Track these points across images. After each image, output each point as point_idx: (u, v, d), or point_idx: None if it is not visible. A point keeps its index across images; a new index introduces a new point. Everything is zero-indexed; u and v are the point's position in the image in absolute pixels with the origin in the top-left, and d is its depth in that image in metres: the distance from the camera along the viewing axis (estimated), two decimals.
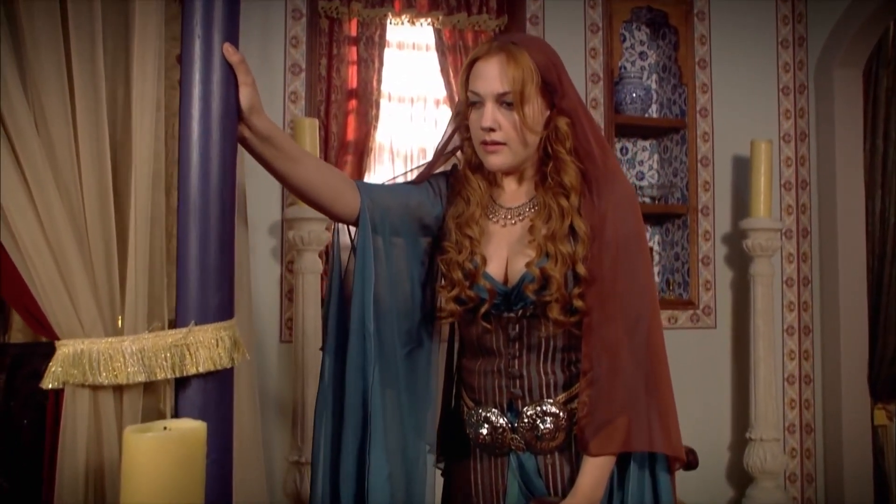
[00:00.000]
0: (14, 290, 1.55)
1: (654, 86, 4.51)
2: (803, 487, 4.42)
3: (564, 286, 1.77)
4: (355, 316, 1.82)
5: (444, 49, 4.16)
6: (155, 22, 1.61)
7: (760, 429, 4.03)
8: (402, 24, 4.16)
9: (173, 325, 1.55)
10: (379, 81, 4.06)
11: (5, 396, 2.17)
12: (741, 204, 4.35)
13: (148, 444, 1.24)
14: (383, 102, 4.12)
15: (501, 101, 1.79)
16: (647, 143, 4.55)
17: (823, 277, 4.44)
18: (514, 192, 1.92)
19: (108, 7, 1.59)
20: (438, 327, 1.98)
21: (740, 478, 4.26)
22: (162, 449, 1.24)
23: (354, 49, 4.08)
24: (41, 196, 1.51)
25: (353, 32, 4.08)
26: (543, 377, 1.85)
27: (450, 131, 1.99)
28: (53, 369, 1.49)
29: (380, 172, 4.15)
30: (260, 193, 3.41)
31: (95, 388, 1.50)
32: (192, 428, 1.31)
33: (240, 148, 1.68)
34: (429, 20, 4.16)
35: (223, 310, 1.55)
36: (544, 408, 1.84)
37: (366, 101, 4.03)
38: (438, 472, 2.05)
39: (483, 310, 1.83)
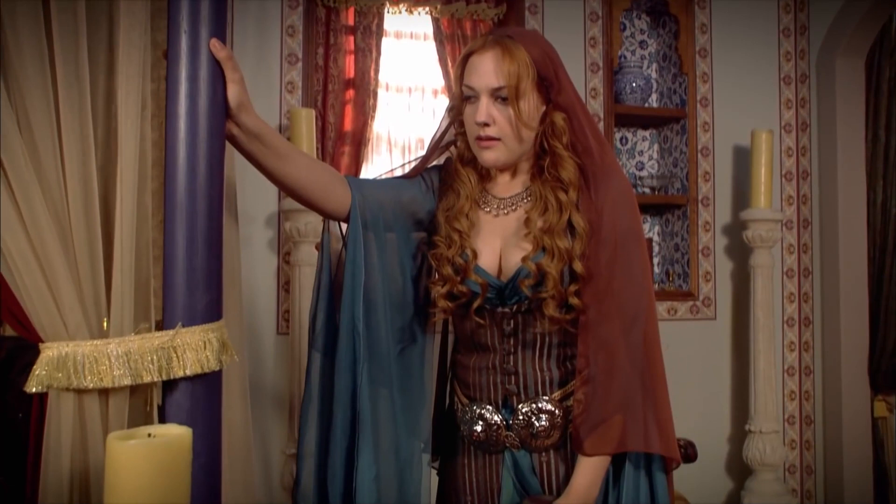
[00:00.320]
0: None
1: (654, 75, 4.48)
2: (803, 479, 4.41)
3: (560, 283, 1.75)
4: (345, 314, 1.80)
5: (443, 38, 4.12)
6: (140, 18, 1.58)
7: (760, 421, 4.01)
8: (400, 12, 4.12)
9: (160, 326, 1.53)
10: (376, 71, 4.03)
11: (0, 390, 2.16)
12: (741, 194, 4.32)
13: (131, 451, 1.22)
14: (381, 92, 4.09)
15: (496, 95, 1.76)
16: (646, 133, 4.51)
17: (824, 268, 4.42)
18: (507, 184, 1.90)
19: (92, 4, 1.56)
20: (432, 322, 1.95)
21: (739, 470, 4.25)
22: (146, 457, 1.22)
23: (352, 38, 4.04)
24: (24, 196, 1.48)
25: (351, 21, 4.05)
26: (539, 374, 1.83)
27: (444, 125, 1.96)
28: (37, 372, 1.46)
29: (377, 163, 4.12)
30: (256, 184, 3.34)
31: (80, 391, 1.47)
32: (177, 434, 1.28)
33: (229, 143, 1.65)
34: (427, 9, 4.11)
35: (211, 311, 1.53)
36: (540, 405, 1.82)
37: (363, 90, 4.00)
38: (434, 472, 2.03)
39: (476, 304, 1.81)
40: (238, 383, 1.92)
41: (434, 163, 2.01)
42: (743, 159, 4.31)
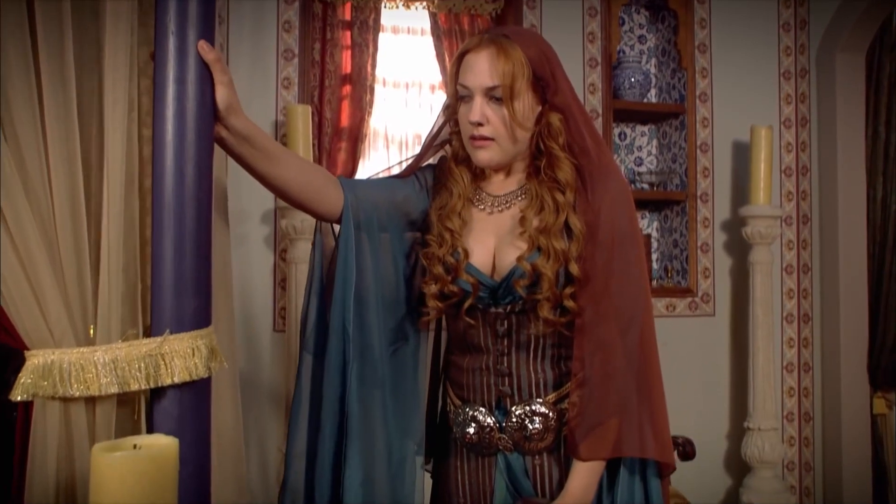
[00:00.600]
0: None
1: (653, 70, 4.45)
2: (801, 476, 4.40)
3: (556, 284, 1.73)
4: (336, 317, 1.79)
5: (440, 33, 4.09)
6: (127, 18, 1.55)
7: (759, 418, 3.99)
8: (397, 7, 4.08)
9: (148, 333, 1.51)
10: (373, 66, 3.99)
11: None
12: (740, 190, 4.30)
13: (116, 464, 1.20)
14: (378, 88, 4.05)
15: (490, 95, 1.74)
16: (645, 129, 4.49)
17: (823, 265, 4.40)
18: (501, 182, 1.88)
19: (78, 4, 1.53)
20: (425, 322, 1.93)
21: (738, 467, 4.23)
22: (131, 469, 1.20)
23: (348, 33, 4.01)
24: (8, 201, 1.45)
25: (348, 16, 4.01)
26: (533, 375, 1.81)
27: (439, 124, 1.95)
28: (23, 381, 1.44)
29: (374, 159, 4.10)
30: (251, 181, 3.31)
31: (66, 400, 1.45)
32: (163, 445, 1.26)
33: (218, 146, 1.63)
34: (424, 4, 4.08)
35: (200, 317, 1.51)
36: (533, 407, 1.80)
37: (360, 86, 3.97)
38: (427, 474, 2.01)
39: (466, 304, 1.79)
40: (229, 384, 1.90)
41: (428, 161, 1.99)
42: (742, 155, 4.28)
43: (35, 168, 1.47)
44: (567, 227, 1.75)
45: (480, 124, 1.75)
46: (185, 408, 1.48)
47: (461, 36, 4.07)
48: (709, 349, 4.33)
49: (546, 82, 1.77)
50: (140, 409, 1.53)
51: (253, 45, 3.74)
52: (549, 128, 1.78)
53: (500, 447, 1.83)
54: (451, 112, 1.88)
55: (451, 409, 1.91)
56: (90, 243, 1.52)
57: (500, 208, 1.84)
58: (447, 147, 1.95)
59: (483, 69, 1.74)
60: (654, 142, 4.49)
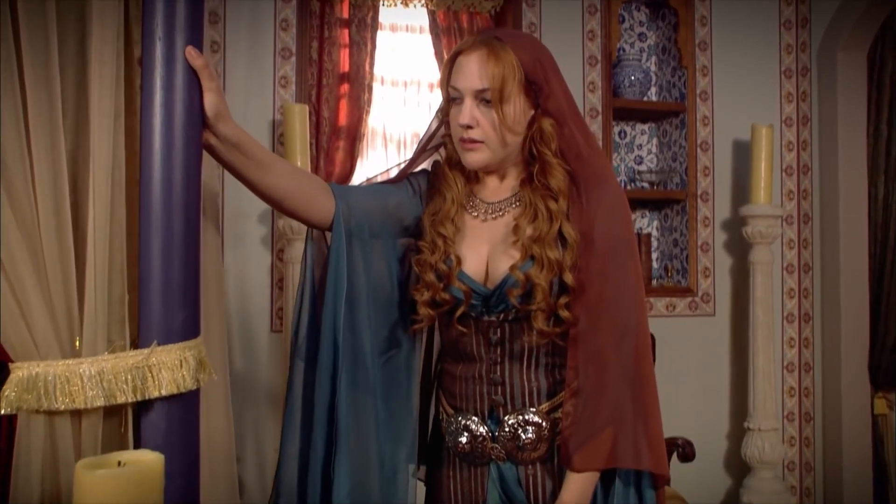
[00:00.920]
0: None
1: (653, 68, 4.42)
2: (802, 476, 4.39)
3: (550, 294, 1.70)
4: (326, 325, 1.77)
5: (439, 31, 4.06)
6: (113, 23, 1.53)
7: (759, 418, 3.97)
8: (395, 5, 4.05)
9: (136, 345, 1.48)
10: (371, 65, 3.97)
11: None
12: (741, 189, 4.28)
13: (100, 481, 1.18)
14: (376, 86, 4.03)
15: (480, 97, 1.72)
16: (645, 127, 4.46)
17: (824, 264, 4.38)
18: (495, 188, 1.85)
19: (63, 5, 1.50)
20: (417, 330, 1.91)
21: (738, 467, 4.22)
22: (115, 487, 1.18)
23: (346, 31, 3.98)
24: None
25: (345, 14, 3.99)
26: (527, 384, 1.79)
27: (434, 127, 1.92)
28: (7, 394, 1.41)
29: (373, 158, 4.08)
30: None
31: (51, 413, 1.42)
32: (147, 461, 1.24)
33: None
34: (422, 1, 4.05)
35: (188, 328, 1.49)
36: (526, 417, 1.77)
37: (358, 85, 3.94)
38: (420, 482, 1.99)
39: (459, 312, 1.76)
40: (222, 392, 1.88)
41: (423, 166, 1.96)
42: (743, 154, 4.26)
43: (19, 177, 1.44)
44: (561, 235, 1.73)
45: (470, 127, 1.73)
46: (173, 421, 1.46)
47: (460, 34, 4.04)
48: (709, 349, 4.31)
49: (539, 86, 1.74)
50: (127, 421, 1.50)
51: (250, 44, 3.72)
52: (542, 133, 1.75)
53: (493, 457, 1.81)
54: (444, 115, 1.86)
55: (443, 418, 1.89)
56: (76, 253, 1.49)
57: (493, 216, 1.82)
58: (441, 151, 1.93)
59: (473, 71, 1.72)
60: (655, 140, 4.46)
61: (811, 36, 4.41)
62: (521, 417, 1.77)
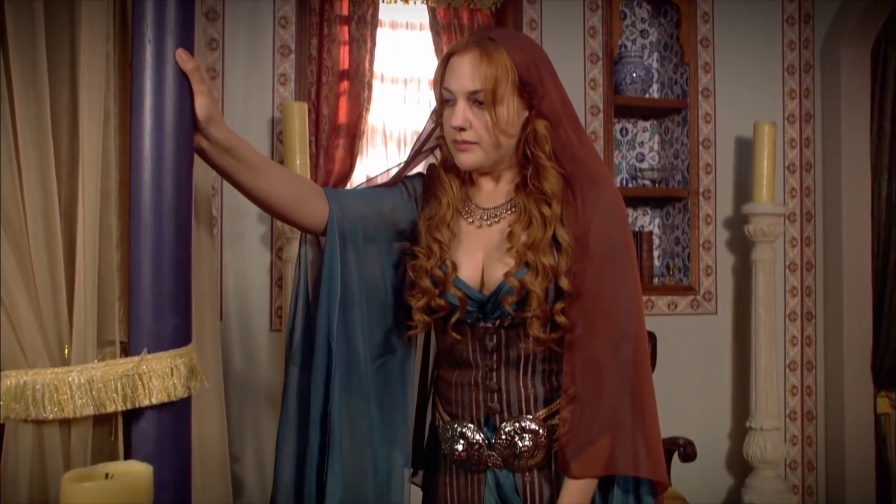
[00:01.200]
0: None
1: (654, 65, 4.39)
2: (804, 475, 4.37)
3: (545, 301, 1.68)
4: (320, 330, 1.75)
5: (439, 28, 4.04)
6: (103, 24, 1.50)
7: (761, 418, 3.96)
8: (395, 2, 4.03)
9: (126, 353, 1.46)
10: (371, 62, 3.95)
11: None
12: (743, 187, 4.25)
13: (87, 494, 1.16)
14: (376, 84, 4.02)
15: (473, 99, 1.69)
16: (647, 124, 4.44)
17: (827, 262, 4.36)
18: (490, 193, 1.83)
19: (51, 7, 1.48)
20: (412, 336, 1.89)
21: (740, 467, 4.21)
22: (102, 500, 1.16)
23: (346, 29, 3.97)
24: None
25: (345, 11, 3.97)
26: (523, 391, 1.77)
27: (429, 128, 1.90)
28: None
29: (372, 156, 4.06)
30: None
31: (40, 422, 1.40)
32: (136, 473, 1.22)
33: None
34: None
35: (179, 336, 1.46)
36: (523, 424, 1.75)
37: (358, 82, 3.92)
38: (416, 487, 1.98)
39: (454, 318, 1.74)
40: (216, 397, 1.86)
41: (418, 169, 1.94)
42: (745, 151, 4.23)
43: (7, 182, 1.42)
44: (556, 240, 1.71)
45: (463, 128, 1.71)
46: (163, 429, 1.44)
47: (460, 31, 4.02)
48: (711, 347, 4.29)
49: (533, 88, 1.72)
50: (117, 430, 1.48)
51: (249, 41, 3.71)
52: (535, 135, 1.73)
53: (490, 464, 1.79)
54: (438, 116, 1.83)
55: (439, 425, 1.87)
56: (65, 259, 1.47)
57: (489, 222, 1.80)
58: (437, 153, 1.90)
59: (465, 73, 1.69)
60: (656, 138, 4.44)
61: (814, 32, 4.38)
62: (517, 425, 1.76)
